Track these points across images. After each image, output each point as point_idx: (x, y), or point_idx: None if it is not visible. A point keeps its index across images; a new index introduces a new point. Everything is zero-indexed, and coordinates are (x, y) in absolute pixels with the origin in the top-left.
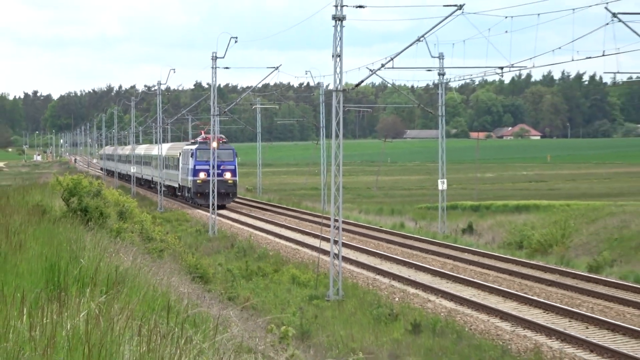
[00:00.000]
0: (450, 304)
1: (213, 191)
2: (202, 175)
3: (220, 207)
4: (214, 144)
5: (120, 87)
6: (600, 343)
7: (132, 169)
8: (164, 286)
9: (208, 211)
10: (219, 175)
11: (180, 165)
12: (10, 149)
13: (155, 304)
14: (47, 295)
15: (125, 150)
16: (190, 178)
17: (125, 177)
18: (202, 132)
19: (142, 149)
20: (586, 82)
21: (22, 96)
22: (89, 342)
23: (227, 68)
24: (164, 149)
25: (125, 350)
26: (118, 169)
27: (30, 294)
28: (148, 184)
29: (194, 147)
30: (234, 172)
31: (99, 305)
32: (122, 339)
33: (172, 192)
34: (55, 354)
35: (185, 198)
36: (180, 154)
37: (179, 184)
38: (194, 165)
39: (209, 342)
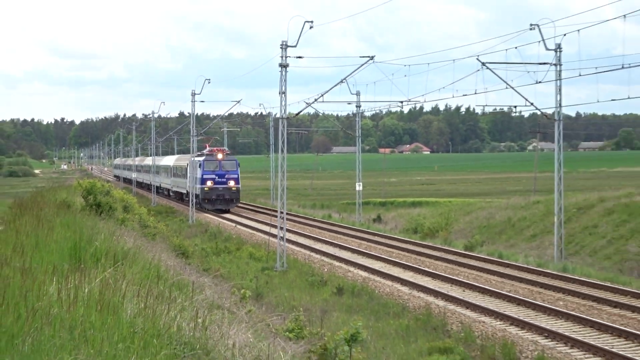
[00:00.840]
0: (364, 274)
1: (191, 193)
2: (209, 183)
3: (225, 210)
4: (220, 155)
5: (124, 115)
6: (473, 302)
7: (133, 175)
8: (156, 260)
9: (215, 215)
10: (224, 183)
11: (189, 174)
12: (44, 160)
13: (149, 273)
14: (71, 267)
15: (134, 161)
16: (198, 186)
17: (131, 181)
18: (207, 145)
19: (149, 160)
20: (463, 112)
21: (52, 122)
22: (101, 301)
23: (202, 101)
24: (172, 160)
25: (128, 307)
26: (123, 175)
27: (59, 266)
28: (156, 189)
29: (201, 158)
30: (237, 180)
31: (109, 274)
32: (125, 298)
33: (180, 198)
34: (76, 310)
35: (197, 204)
36: (188, 164)
37: (187, 191)
38: (202, 175)
39: (189, 301)
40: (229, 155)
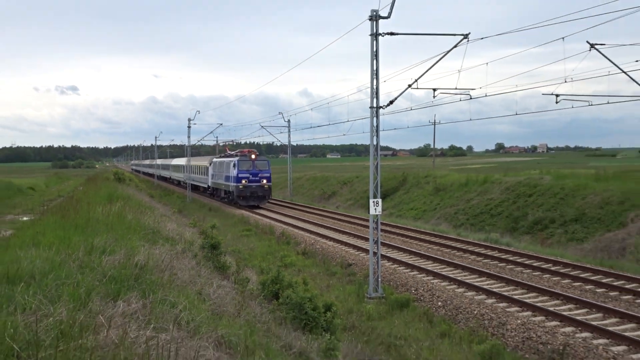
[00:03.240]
0: (219, 204)
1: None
2: (243, 181)
3: (257, 206)
4: (253, 156)
5: (131, 145)
6: (261, 212)
7: (132, 167)
8: (141, 198)
9: (248, 210)
10: (257, 181)
11: (213, 172)
12: (99, 162)
13: (138, 204)
14: (107, 201)
15: (144, 162)
16: (232, 184)
17: (141, 173)
18: (227, 148)
19: (160, 161)
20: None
21: (103, 147)
22: (119, 214)
23: (159, 140)
24: (184, 161)
25: (129, 216)
26: (137, 168)
27: (102, 201)
28: (165, 180)
29: (235, 159)
30: (269, 179)
31: (121, 204)
32: (128, 213)
33: (197, 189)
34: (109, 218)
35: (228, 199)
36: (211, 163)
37: (208, 185)
38: (237, 174)
39: (153, 214)
40: (260, 156)
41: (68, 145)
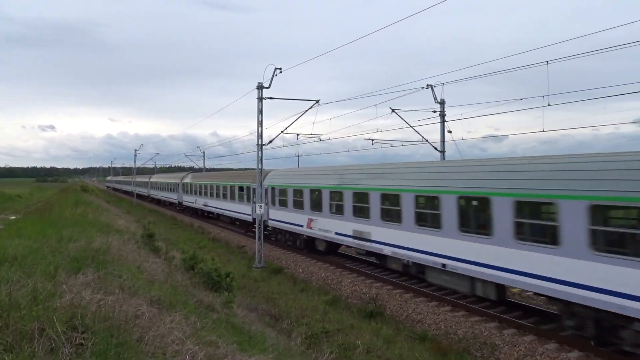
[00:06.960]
0: (155, 206)
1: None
2: None
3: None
4: None
5: (97, 167)
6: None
7: (108, 185)
8: (99, 203)
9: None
10: None
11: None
12: (70, 179)
13: (97, 206)
14: (74, 205)
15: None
16: None
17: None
18: None
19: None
20: None
21: (73, 168)
22: (83, 214)
23: (123, 163)
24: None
25: (89, 215)
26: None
27: (70, 205)
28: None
29: None
30: None
31: (83, 208)
32: (89, 213)
33: (231, 222)
34: (75, 216)
35: None
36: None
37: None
38: None
39: (108, 214)
40: None
41: (47, 166)
